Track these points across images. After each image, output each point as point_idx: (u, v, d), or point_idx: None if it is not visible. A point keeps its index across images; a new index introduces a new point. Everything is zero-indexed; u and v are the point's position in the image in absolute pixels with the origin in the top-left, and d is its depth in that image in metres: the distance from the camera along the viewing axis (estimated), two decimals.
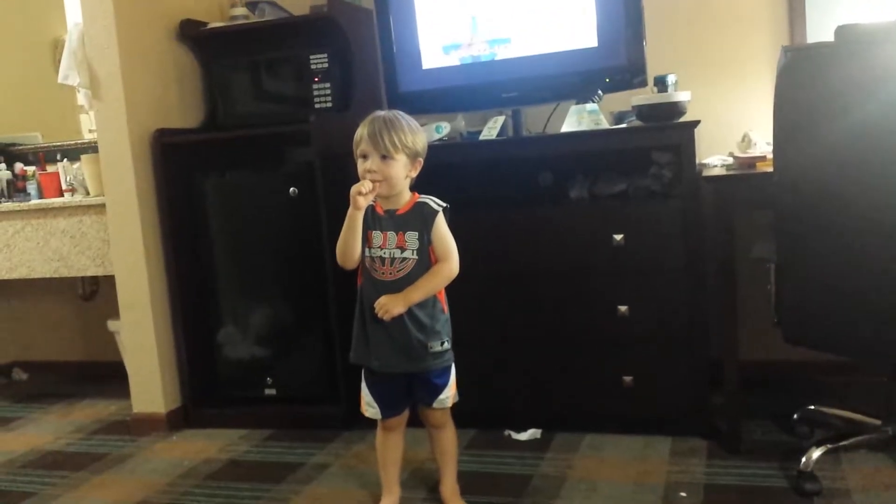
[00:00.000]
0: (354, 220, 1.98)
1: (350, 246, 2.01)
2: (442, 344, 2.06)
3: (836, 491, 2.10)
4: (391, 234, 2.02)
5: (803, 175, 2.01)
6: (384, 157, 1.96)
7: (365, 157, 1.98)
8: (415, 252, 2.01)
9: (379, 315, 1.97)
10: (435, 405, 2.10)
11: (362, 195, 1.94)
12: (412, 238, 2.01)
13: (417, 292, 1.99)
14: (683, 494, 2.17)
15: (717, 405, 2.48)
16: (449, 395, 2.11)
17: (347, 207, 2.01)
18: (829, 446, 2.18)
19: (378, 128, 1.95)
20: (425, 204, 2.04)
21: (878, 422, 2.26)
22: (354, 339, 2.11)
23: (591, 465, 2.41)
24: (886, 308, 1.93)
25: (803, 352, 2.25)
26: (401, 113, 2.03)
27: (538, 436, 2.66)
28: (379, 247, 2.02)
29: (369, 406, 2.13)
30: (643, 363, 2.54)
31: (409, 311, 2.01)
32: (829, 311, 2.04)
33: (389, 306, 1.96)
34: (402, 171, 1.99)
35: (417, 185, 2.08)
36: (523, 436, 2.66)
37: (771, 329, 2.24)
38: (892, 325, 1.94)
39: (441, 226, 2.04)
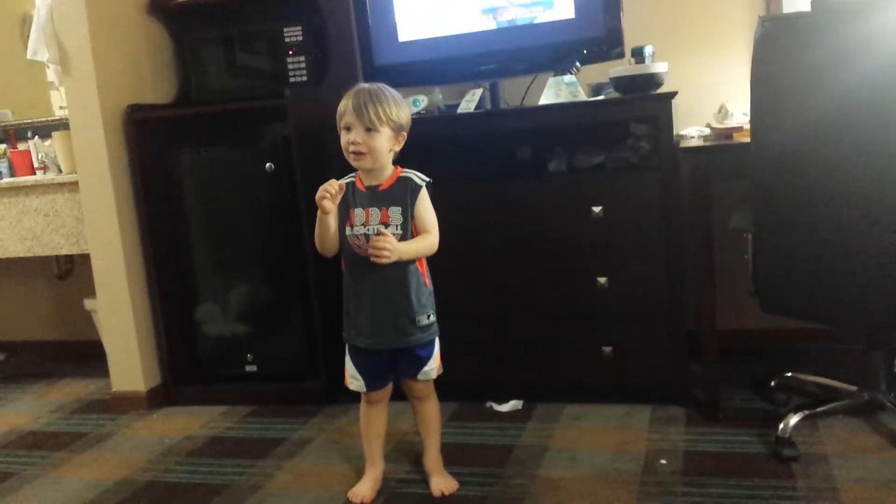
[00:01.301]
0: (326, 222, 1.98)
1: (327, 241, 2.02)
2: (428, 317, 2.07)
3: (813, 456, 2.14)
4: (374, 210, 2.00)
5: (780, 145, 2.02)
6: (368, 130, 1.94)
7: (349, 129, 1.96)
8: (398, 227, 2.00)
9: (372, 249, 1.92)
10: (419, 377, 2.11)
11: (329, 199, 1.92)
12: (396, 213, 2.00)
13: (407, 249, 1.97)
14: (664, 462, 2.20)
15: (695, 374, 2.52)
16: (433, 366, 2.12)
17: (323, 181, 1.99)
18: (806, 412, 2.22)
19: (363, 100, 1.94)
20: (409, 178, 2.03)
21: (853, 388, 2.30)
22: (346, 318, 2.11)
23: (571, 435, 2.43)
24: (862, 276, 1.96)
25: (780, 320, 2.28)
26: (385, 86, 2.01)
27: (519, 407, 2.68)
28: (362, 224, 2.01)
29: (354, 379, 2.13)
30: (622, 334, 2.56)
31: (396, 286, 2.01)
32: (806, 280, 2.06)
33: (389, 247, 1.91)
34: (387, 144, 1.98)
35: (397, 159, 2.06)
36: (505, 407, 2.68)
37: (748, 298, 2.27)
38: (868, 293, 1.97)
39: (425, 201, 2.03)
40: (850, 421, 2.32)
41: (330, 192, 1.93)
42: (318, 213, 1.97)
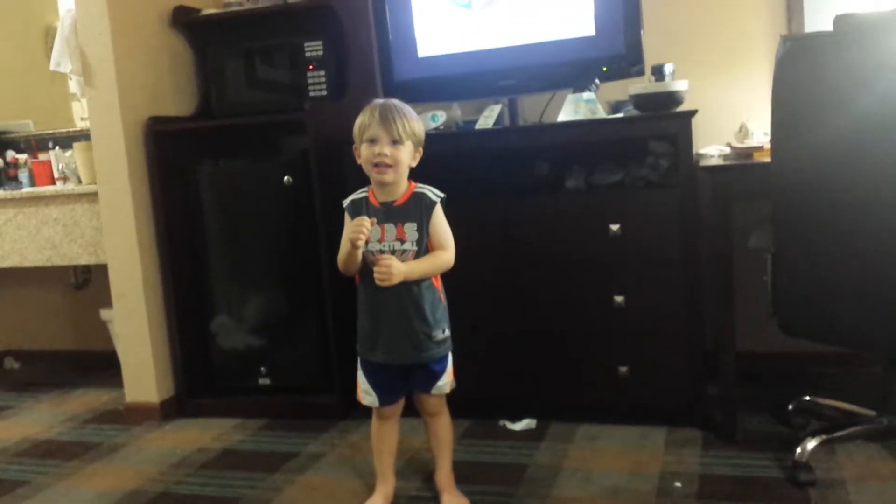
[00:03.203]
0: (355, 255, 1.98)
1: (351, 267, 2.03)
2: (443, 332, 2.07)
3: (831, 481, 2.10)
4: (389, 227, 2.00)
5: (801, 165, 2.00)
6: (395, 143, 1.95)
7: (373, 141, 1.96)
8: (414, 243, 2.00)
9: (377, 274, 1.94)
10: (433, 392, 2.10)
11: (362, 237, 1.92)
12: (411, 229, 2.00)
13: (419, 268, 1.98)
14: (678, 484, 2.16)
15: (712, 396, 2.48)
16: (447, 381, 2.11)
17: (341, 197, 1.99)
18: (824, 437, 2.18)
19: (390, 112, 1.95)
20: (424, 194, 2.03)
21: (873, 413, 2.27)
22: (360, 334, 2.10)
23: (586, 455, 2.41)
24: (883, 299, 1.93)
25: (799, 343, 2.25)
26: (402, 102, 2.02)
27: (533, 426, 2.65)
28: (378, 240, 2.00)
29: (366, 394, 2.12)
30: (639, 353, 2.53)
31: (412, 301, 2.00)
32: (826, 302, 2.04)
33: (392, 271, 1.92)
34: (408, 158, 1.99)
35: (413, 174, 2.06)
36: (518, 426, 2.66)
37: (767, 320, 2.24)
38: (889, 317, 1.94)
39: (439, 216, 2.03)
40: (869, 446, 2.28)
41: (364, 231, 1.93)
42: (349, 247, 1.96)
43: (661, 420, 2.56)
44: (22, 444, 2.93)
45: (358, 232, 1.92)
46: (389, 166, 1.96)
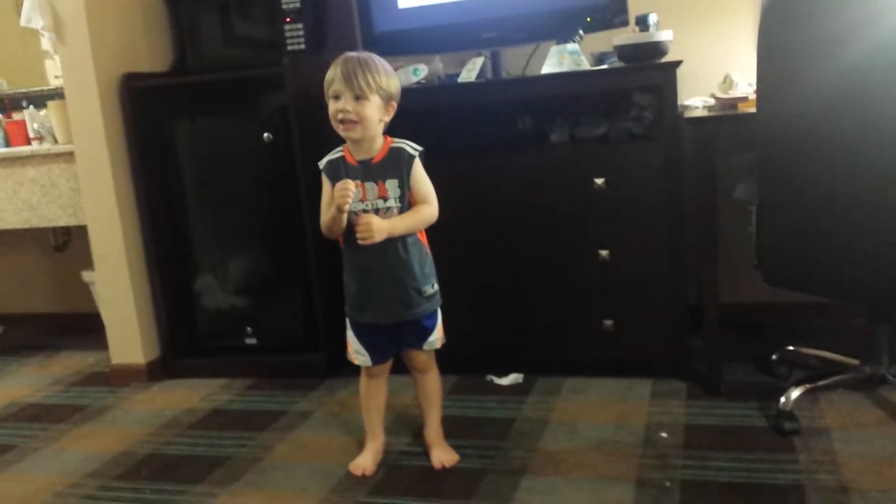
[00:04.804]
0: (341, 218, 1.95)
1: (335, 230, 1.99)
2: (432, 286, 2.07)
3: (814, 429, 2.13)
4: (370, 185, 1.97)
5: (786, 116, 1.99)
6: (358, 98, 1.90)
7: (337, 97, 1.92)
8: (397, 199, 1.98)
9: (358, 233, 1.93)
10: (424, 347, 2.10)
11: (349, 201, 1.89)
12: (393, 186, 1.97)
13: (401, 224, 1.97)
14: (664, 434, 2.19)
15: (696, 347, 2.50)
16: (437, 337, 2.11)
17: (322, 152, 1.96)
18: (807, 386, 2.21)
19: (352, 67, 1.90)
20: (401, 149, 2.00)
21: (855, 361, 2.29)
22: (348, 296, 2.09)
23: (572, 408, 2.43)
24: (866, 250, 1.93)
25: (782, 293, 2.26)
26: (374, 55, 1.97)
27: (520, 380, 2.67)
28: (360, 200, 1.97)
29: (358, 354, 2.11)
30: (624, 307, 2.54)
31: (399, 257, 1.99)
32: (809, 253, 2.04)
33: (373, 228, 1.91)
34: (376, 113, 1.94)
35: (396, 130, 2.03)
36: (505, 380, 2.67)
37: (750, 271, 2.25)
38: (871, 267, 1.95)
39: (419, 170, 2.00)
40: (852, 395, 2.31)
41: (350, 195, 1.89)
42: (334, 210, 1.93)
43: (646, 372, 2.58)
44: (8, 408, 2.92)
45: (344, 196, 1.89)
46: (355, 122, 1.92)
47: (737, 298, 2.87)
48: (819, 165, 1.95)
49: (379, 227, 1.92)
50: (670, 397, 2.43)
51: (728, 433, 2.17)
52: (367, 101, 1.91)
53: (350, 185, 1.90)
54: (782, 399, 2.16)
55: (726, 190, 2.44)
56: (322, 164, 2.04)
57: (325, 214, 1.99)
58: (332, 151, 2.04)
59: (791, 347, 2.53)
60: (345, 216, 1.95)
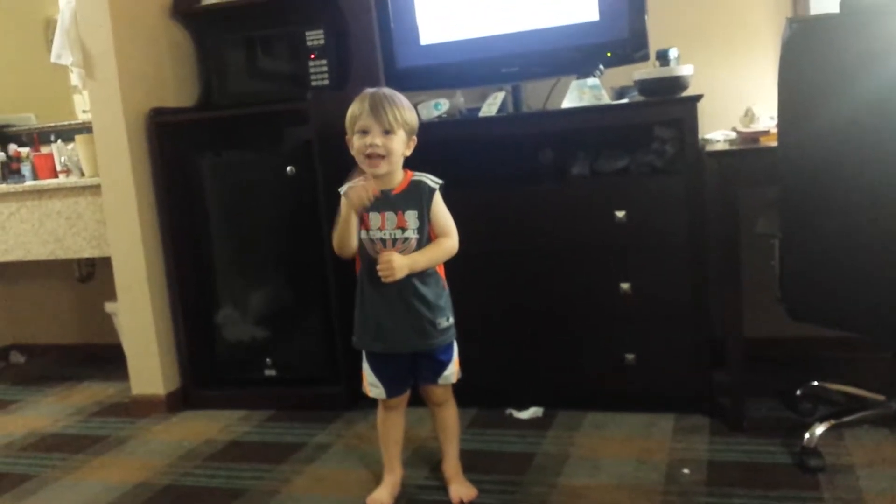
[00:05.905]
0: (350, 218, 1.96)
1: (347, 239, 1.99)
2: (447, 319, 2.06)
3: (839, 467, 2.09)
4: (390, 215, 1.99)
5: (808, 149, 1.98)
6: (387, 132, 1.93)
7: (365, 132, 1.94)
8: (416, 231, 1.98)
9: (380, 272, 1.93)
10: (440, 382, 2.09)
11: (367, 201, 1.90)
12: (412, 217, 1.98)
13: (422, 259, 1.97)
14: (686, 471, 2.16)
15: (720, 382, 2.47)
16: (453, 371, 2.10)
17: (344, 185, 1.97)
18: (832, 422, 2.17)
19: (380, 102, 1.93)
20: (421, 182, 2.01)
21: (881, 397, 2.26)
22: (357, 325, 2.09)
23: (593, 443, 2.40)
24: (891, 284, 1.91)
25: (807, 328, 2.23)
26: (394, 91, 2.00)
27: (540, 414, 2.65)
28: (378, 228, 1.99)
29: (373, 387, 2.11)
30: (645, 340, 2.52)
31: (415, 289, 1.99)
32: (834, 287, 2.02)
33: (394, 266, 1.91)
34: (401, 147, 1.97)
35: (418, 163, 2.04)
36: (525, 414, 2.65)
37: (774, 305, 2.22)
38: None
39: (440, 203, 2.02)
40: (878, 431, 2.27)
41: (369, 193, 1.90)
42: (345, 208, 1.94)
43: (669, 407, 2.55)
44: (28, 437, 2.93)
45: (364, 195, 1.89)
46: (382, 157, 1.94)
47: (760, 333, 2.83)
48: (841, 199, 1.94)
49: (400, 265, 1.93)
50: (693, 433, 2.40)
51: (752, 470, 2.13)
52: (394, 135, 1.94)
53: (371, 185, 1.90)
54: (807, 435, 2.12)
55: (749, 223, 2.43)
56: (343, 189, 2.06)
57: (340, 215, 1.98)
58: (354, 180, 2.05)
59: (816, 383, 2.49)
60: (354, 222, 1.95)
